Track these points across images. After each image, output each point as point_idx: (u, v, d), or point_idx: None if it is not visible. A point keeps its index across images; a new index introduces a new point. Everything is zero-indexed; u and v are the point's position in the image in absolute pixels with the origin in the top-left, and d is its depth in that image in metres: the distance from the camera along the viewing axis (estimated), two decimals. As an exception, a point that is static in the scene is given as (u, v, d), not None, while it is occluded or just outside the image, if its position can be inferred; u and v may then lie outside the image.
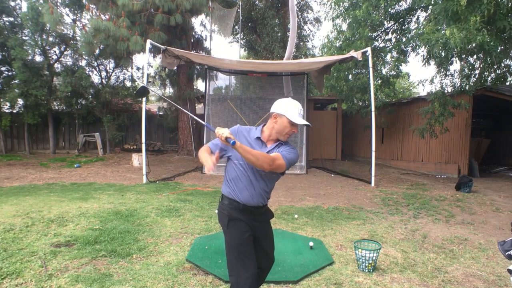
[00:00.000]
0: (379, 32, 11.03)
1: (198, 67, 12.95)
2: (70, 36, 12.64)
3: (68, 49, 13.03)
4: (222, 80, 12.28)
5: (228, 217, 2.01)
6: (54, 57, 13.07)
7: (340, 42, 11.18)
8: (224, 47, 51.18)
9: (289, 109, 1.97)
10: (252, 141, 2.02)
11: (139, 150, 12.48)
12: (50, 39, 12.45)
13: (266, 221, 2.18)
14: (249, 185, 2.00)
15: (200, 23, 20.90)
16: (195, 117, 2.62)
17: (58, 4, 12.26)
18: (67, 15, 12.76)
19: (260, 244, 2.13)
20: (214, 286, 2.78)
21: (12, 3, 12.17)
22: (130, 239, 3.72)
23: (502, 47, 7.37)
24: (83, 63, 13.44)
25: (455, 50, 6.22)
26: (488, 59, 8.00)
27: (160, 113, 14.60)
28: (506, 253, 1.98)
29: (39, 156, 12.19)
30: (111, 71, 14.16)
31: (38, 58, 12.38)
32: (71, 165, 10.00)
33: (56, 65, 13.00)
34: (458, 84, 8.43)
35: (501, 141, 11.86)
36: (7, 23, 12.06)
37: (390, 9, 10.17)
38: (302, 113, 2.02)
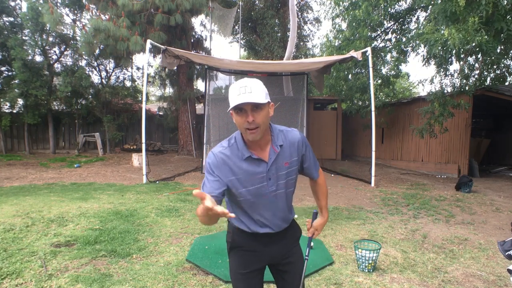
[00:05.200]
0: (379, 32, 11.03)
1: (198, 67, 12.94)
2: (70, 36, 12.64)
3: (68, 49, 13.03)
4: (222, 80, 12.28)
5: (231, 244, 1.62)
6: (54, 57, 13.07)
7: (340, 42, 11.19)
8: (224, 47, 51.22)
9: (230, 98, 1.38)
10: (244, 164, 1.45)
11: (139, 150, 12.47)
12: (50, 39, 12.45)
13: (288, 257, 1.66)
14: None
15: (200, 23, 20.81)
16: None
17: (58, 4, 12.26)
18: (67, 15, 12.77)
19: (280, 277, 1.67)
20: (214, 286, 2.78)
21: (12, 3, 12.18)
22: (130, 239, 3.72)
23: (502, 48, 7.38)
24: (83, 63, 13.45)
25: (454, 50, 6.22)
26: (487, 59, 8.02)
27: (160, 113, 14.60)
28: (506, 253, 1.98)
29: (39, 156, 12.18)
30: (111, 71, 14.18)
31: (38, 58, 12.39)
32: (71, 165, 10.00)
33: (56, 65, 13.01)
34: (458, 84, 8.44)
35: (501, 141, 11.86)
36: (7, 23, 12.06)
37: (390, 9, 10.17)
38: (250, 90, 1.34)
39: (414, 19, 11.00)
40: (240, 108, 1.36)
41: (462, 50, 6.47)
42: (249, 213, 1.53)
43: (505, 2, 6.05)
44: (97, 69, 13.86)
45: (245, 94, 1.33)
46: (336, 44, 11.64)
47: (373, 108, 7.71)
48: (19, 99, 11.93)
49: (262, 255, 1.58)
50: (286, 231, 1.62)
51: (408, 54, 10.35)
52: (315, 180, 1.75)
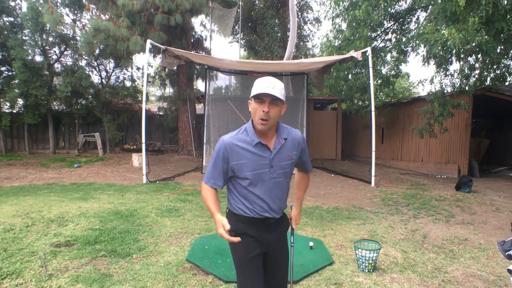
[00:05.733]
0: (379, 32, 11.03)
1: (198, 67, 12.94)
2: (70, 36, 12.64)
3: (68, 49, 13.03)
4: (222, 80, 12.28)
5: (234, 231, 1.70)
6: (54, 57, 13.07)
7: (340, 42, 11.19)
8: (224, 47, 51.22)
9: (254, 88, 1.61)
10: (252, 149, 1.66)
11: (139, 150, 12.47)
12: (50, 39, 12.45)
13: (280, 243, 1.85)
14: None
15: (200, 23, 20.85)
16: None
17: (58, 4, 12.26)
18: (67, 15, 12.78)
19: (271, 270, 1.81)
20: (214, 286, 2.78)
21: (12, 3, 12.18)
22: (130, 239, 3.72)
23: (502, 48, 7.38)
24: (83, 63, 13.45)
25: (454, 50, 6.22)
26: (487, 59, 8.01)
27: (160, 113, 14.60)
28: (506, 253, 1.98)
29: (39, 156, 12.18)
30: (111, 71, 14.18)
31: (38, 58, 12.39)
32: (71, 165, 10.00)
33: (56, 65, 13.01)
34: (458, 84, 8.44)
35: (501, 141, 11.86)
36: (7, 23, 12.06)
37: (390, 9, 10.17)
38: (273, 86, 1.57)
39: (414, 19, 11.00)
40: (261, 98, 1.59)
41: (462, 50, 6.47)
42: (251, 197, 1.69)
43: (505, 2, 6.05)
44: (97, 69, 13.86)
45: (268, 88, 1.56)
46: (336, 44, 11.63)
47: (373, 108, 7.71)
48: (19, 99, 11.93)
49: (260, 241, 1.73)
50: (281, 220, 1.82)
51: (408, 54, 10.35)
52: (306, 174, 2.01)
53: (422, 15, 11.54)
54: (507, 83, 9.93)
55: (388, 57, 10.83)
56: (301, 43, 16.91)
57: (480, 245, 3.91)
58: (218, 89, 12.36)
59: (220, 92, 12.43)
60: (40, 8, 10.72)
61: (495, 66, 8.96)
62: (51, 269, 2.95)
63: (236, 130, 1.72)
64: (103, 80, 13.96)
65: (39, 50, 12.15)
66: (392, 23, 11.01)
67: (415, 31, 9.90)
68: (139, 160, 10.11)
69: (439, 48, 6.36)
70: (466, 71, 8.48)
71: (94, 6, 11.09)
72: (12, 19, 12.20)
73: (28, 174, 8.47)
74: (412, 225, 4.66)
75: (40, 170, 9.11)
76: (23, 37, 11.97)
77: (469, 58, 8.26)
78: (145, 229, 4.11)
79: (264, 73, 10.25)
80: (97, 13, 10.31)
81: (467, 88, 8.16)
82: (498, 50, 7.22)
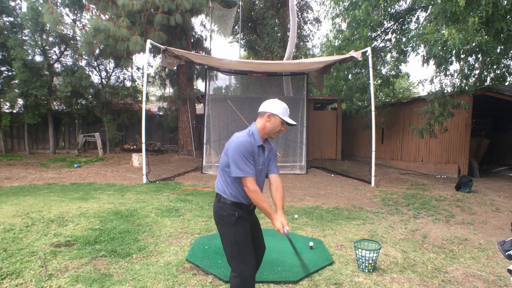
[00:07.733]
0: (378, 32, 11.03)
1: (198, 67, 12.94)
2: (70, 36, 12.65)
3: (68, 49, 13.03)
4: (222, 80, 12.27)
5: (236, 215, 2.13)
6: (54, 57, 13.07)
7: (340, 42, 11.19)
8: (224, 47, 51.16)
9: (280, 110, 2.16)
10: (257, 150, 2.13)
11: (139, 150, 12.48)
12: (50, 39, 12.45)
13: (254, 213, 2.39)
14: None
15: (200, 23, 20.92)
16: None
17: (58, 4, 12.26)
18: (67, 15, 12.77)
19: (256, 235, 2.32)
20: (214, 286, 2.78)
21: (12, 3, 12.17)
22: (130, 239, 3.72)
23: (502, 48, 7.38)
24: (83, 63, 13.45)
25: (454, 50, 6.22)
26: (487, 59, 8.01)
27: (160, 113, 14.61)
28: (506, 253, 1.98)
29: (39, 156, 12.18)
30: (111, 71, 14.17)
31: (38, 58, 12.39)
32: (71, 165, 10.00)
33: (56, 65, 13.01)
34: (458, 84, 8.44)
35: (501, 141, 11.86)
36: (7, 23, 12.06)
37: (389, 9, 10.17)
38: (289, 113, 2.23)
39: (414, 19, 11.00)
40: (285, 123, 2.18)
41: (462, 50, 6.47)
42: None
43: (505, 2, 6.05)
44: (97, 69, 13.86)
45: (288, 115, 2.20)
46: (336, 44, 11.63)
47: (373, 108, 7.71)
48: (19, 99, 11.93)
49: (248, 219, 2.22)
50: (254, 206, 2.26)
51: (408, 54, 10.35)
52: (276, 175, 2.33)
53: (422, 15, 11.57)
54: (507, 83, 9.93)
55: (388, 57, 10.84)
56: (301, 43, 16.90)
57: (480, 245, 3.91)
58: (218, 89, 12.35)
59: (220, 92, 12.42)
60: (40, 8, 10.71)
61: (495, 66, 8.96)
62: (51, 269, 2.95)
63: (245, 133, 2.13)
64: (103, 80, 13.96)
65: (39, 50, 12.16)
66: (392, 23, 11.00)
67: (415, 31, 9.90)
68: (139, 160, 10.11)
69: (439, 48, 6.36)
70: (466, 71, 8.48)
71: (94, 6, 11.08)
72: (12, 19, 12.19)
73: (28, 174, 8.47)
74: (412, 225, 4.66)
75: (40, 170, 9.11)
76: (23, 37, 11.96)
77: (469, 58, 8.25)
78: (145, 229, 4.11)
79: (264, 73, 10.27)
80: (97, 13, 10.31)
81: (467, 88, 8.16)
82: (498, 50, 7.22)
